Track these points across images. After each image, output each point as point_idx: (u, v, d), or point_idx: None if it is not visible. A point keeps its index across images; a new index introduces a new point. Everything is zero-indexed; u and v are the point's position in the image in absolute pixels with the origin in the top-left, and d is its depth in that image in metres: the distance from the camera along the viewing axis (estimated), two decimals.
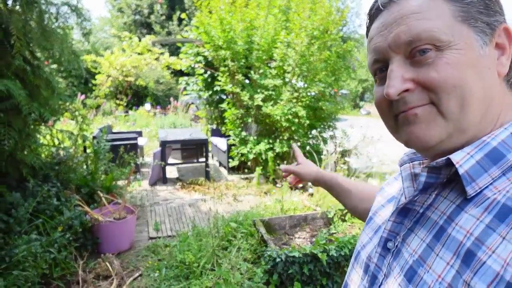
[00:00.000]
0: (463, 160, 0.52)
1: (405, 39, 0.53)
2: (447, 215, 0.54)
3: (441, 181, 0.58)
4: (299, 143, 5.66)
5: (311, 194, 4.69)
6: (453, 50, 0.51)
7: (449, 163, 0.54)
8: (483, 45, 0.52)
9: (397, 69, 0.55)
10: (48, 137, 3.71)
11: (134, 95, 15.19)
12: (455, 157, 0.53)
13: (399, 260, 0.60)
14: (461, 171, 0.52)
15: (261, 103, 5.67)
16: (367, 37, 0.63)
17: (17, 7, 2.77)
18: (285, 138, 5.69)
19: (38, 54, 3.14)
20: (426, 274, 0.53)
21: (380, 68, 0.59)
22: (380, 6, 0.58)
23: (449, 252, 0.51)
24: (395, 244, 0.62)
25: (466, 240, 0.49)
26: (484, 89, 0.52)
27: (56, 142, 3.81)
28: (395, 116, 0.58)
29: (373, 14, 0.60)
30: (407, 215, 0.62)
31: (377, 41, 0.57)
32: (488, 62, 0.53)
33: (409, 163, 0.71)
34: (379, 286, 0.63)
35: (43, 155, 3.80)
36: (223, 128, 6.51)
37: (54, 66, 3.50)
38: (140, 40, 11.68)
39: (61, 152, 3.97)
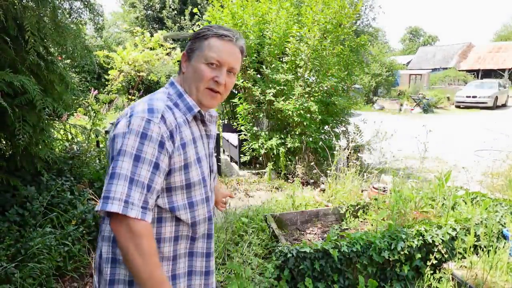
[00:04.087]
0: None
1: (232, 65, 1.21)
2: None
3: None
4: (311, 138, 5.62)
5: (323, 190, 4.66)
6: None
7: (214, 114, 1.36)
8: None
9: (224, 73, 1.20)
10: (61, 131, 3.75)
11: (146, 90, 15.26)
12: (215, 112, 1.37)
13: None
14: (215, 114, 1.37)
15: (273, 98, 5.63)
16: (205, 38, 1.17)
17: (31, 3, 2.79)
18: (297, 133, 5.65)
19: (52, 50, 3.17)
20: None
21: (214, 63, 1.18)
22: (234, 38, 1.19)
23: None
24: None
25: None
26: None
27: (70, 136, 3.85)
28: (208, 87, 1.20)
29: (224, 35, 1.18)
30: None
31: (223, 56, 1.18)
32: None
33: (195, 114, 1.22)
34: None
35: (57, 150, 3.86)
36: (235, 123, 6.50)
37: (68, 61, 3.53)
38: (152, 35, 11.72)
39: (75, 147, 4.02)
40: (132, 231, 1.00)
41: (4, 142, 3.12)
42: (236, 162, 6.68)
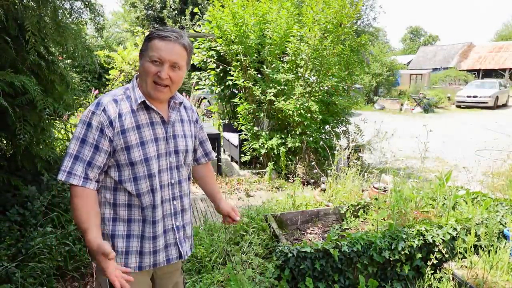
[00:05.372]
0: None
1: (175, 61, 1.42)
2: None
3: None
4: (311, 138, 5.62)
5: (324, 190, 4.66)
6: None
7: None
8: None
9: (167, 69, 1.40)
10: (62, 131, 3.76)
11: None
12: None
13: None
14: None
15: (273, 98, 5.63)
16: (150, 40, 1.40)
17: (32, 3, 2.79)
18: (298, 133, 5.65)
19: (52, 50, 3.17)
20: None
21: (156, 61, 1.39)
22: (173, 38, 1.39)
23: None
24: None
25: None
26: None
27: (71, 136, 3.85)
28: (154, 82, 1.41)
29: (164, 36, 1.39)
30: None
31: (163, 54, 1.39)
32: None
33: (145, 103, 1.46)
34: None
35: (57, 149, 3.86)
36: (235, 123, 6.50)
37: (68, 61, 3.53)
38: None
39: None
40: (72, 193, 1.36)
41: (5, 142, 3.13)
42: (236, 162, 6.68)
